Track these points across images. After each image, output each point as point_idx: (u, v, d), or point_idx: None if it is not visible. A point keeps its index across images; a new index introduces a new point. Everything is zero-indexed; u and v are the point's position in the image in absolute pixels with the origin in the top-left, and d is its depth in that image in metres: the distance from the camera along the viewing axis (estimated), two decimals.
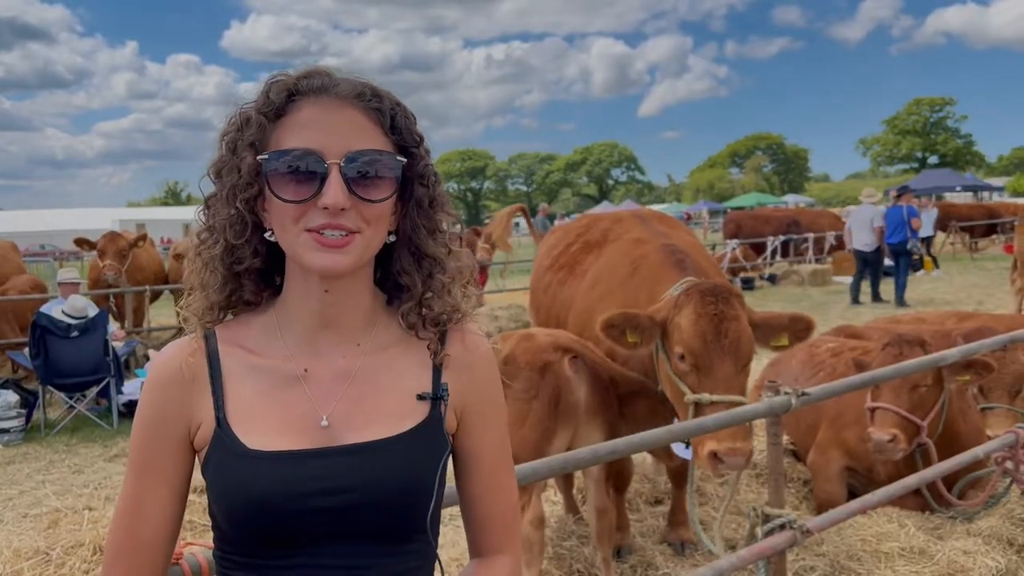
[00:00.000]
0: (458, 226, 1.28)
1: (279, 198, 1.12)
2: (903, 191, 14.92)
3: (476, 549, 1.32)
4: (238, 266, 1.19)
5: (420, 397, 1.21)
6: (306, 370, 1.19)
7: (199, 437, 1.18)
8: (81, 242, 10.78)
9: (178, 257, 11.25)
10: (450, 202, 1.26)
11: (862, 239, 14.09)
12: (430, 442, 1.20)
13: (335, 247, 1.10)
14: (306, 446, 1.15)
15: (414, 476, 1.17)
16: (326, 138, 1.11)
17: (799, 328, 3.41)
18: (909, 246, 13.99)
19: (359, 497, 1.13)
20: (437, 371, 1.24)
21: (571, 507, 4.64)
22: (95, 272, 10.87)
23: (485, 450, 1.29)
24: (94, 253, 10.85)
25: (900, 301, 13.58)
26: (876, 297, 14.28)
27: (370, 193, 1.12)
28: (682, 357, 3.29)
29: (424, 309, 1.23)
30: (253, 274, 1.21)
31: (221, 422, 1.16)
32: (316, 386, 1.19)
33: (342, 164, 1.10)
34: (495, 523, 1.30)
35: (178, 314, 1.26)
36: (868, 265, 14.25)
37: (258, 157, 1.13)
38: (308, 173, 1.10)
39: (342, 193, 1.09)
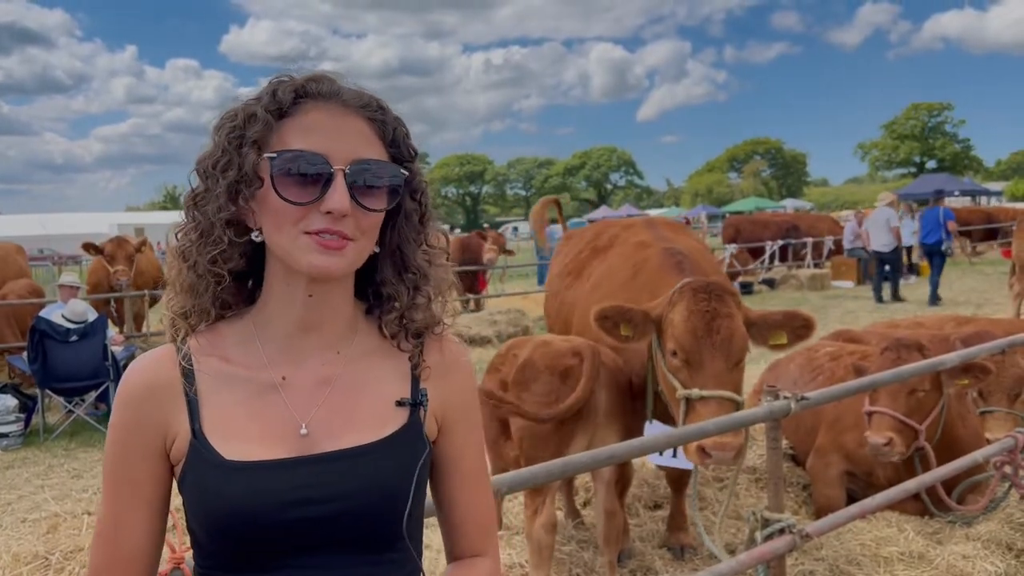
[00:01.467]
0: (443, 240, 1.28)
1: (283, 198, 1.10)
2: (940, 194, 15.50)
3: (455, 553, 1.31)
4: (225, 267, 1.16)
5: (399, 403, 1.21)
6: (284, 378, 1.18)
7: (175, 450, 1.16)
8: (88, 246, 10.79)
9: None
10: (436, 216, 1.27)
11: (880, 240, 14.53)
12: (409, 447, 1.19)
13: (333, 248, 1.10)
14: (285, 455, 1.13)
15: (394, 482, 1.16)
16: (332, 143, 1.11)
17: (797, 325, 3.40)
18: (944, 247, 14.52)
19: (340, 505, 1.12)
20: (416, 377, 1.24)
21: (572, 511, 4.64)
22: (95, 276, 10.90)
23: (465, 454, 1.29)
24: (94, 257, 10.91)
25: (933, 300, 14.08)
26: (879, 298, 14.60)
27: (370, 202, 1.13)
28: (674, 353, 3.32)
29: (406, 320, 1.24)
30: (234, 276, 1.19)
31: (197, 433, 1.14)
32: (294, 394, 1.18)
33: (347, 171, 1.10)
34: (475, 526, 1.30)
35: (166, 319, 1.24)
36: (885, 264, 14.71)
37: (265, 155, 1.11)
38: (314, 176, 1.09)
39: (346, 198, 1.09)
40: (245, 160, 1.11)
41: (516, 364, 3.59)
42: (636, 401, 3.82)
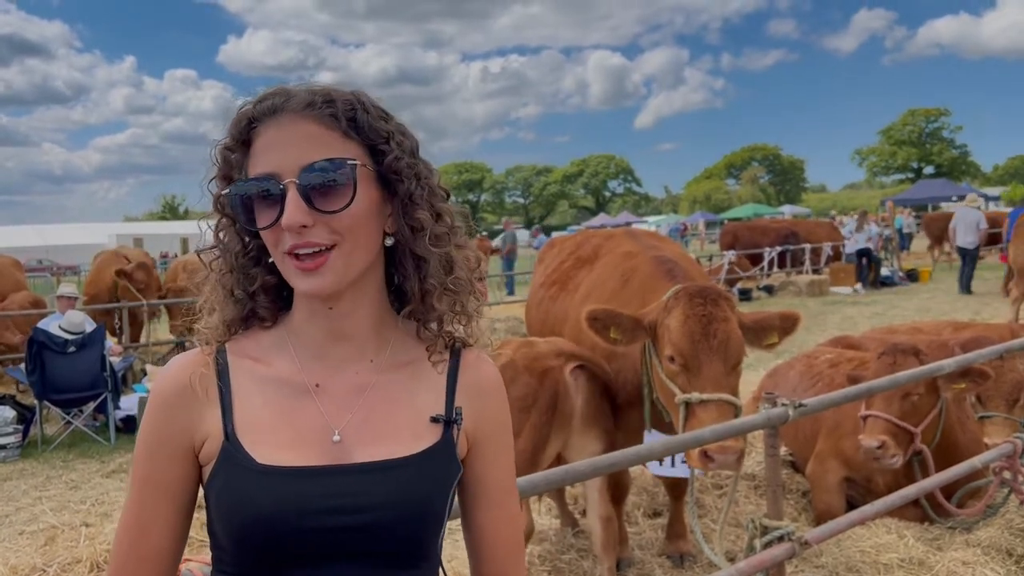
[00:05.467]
0: (450, 221, 1.21)
1: (247, 228, 1.13)
2: None
3: (480, 575, 1.30)
4: (251, 286, 1.19)
5: (434, 419, 1.19)
6: (317, 385, 1.18)
7: (205, 451, 1.15)
8: (120, 273, 10.74)
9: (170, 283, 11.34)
10: (440, 195, 1.20)
11: (966, 238, 16.19)
12: (442, 465, 1.18)
13: (310, 270, 1.09)
14: (317, 462, 1.13)
15: (426, 498, 1.15)
16: (282, 158, 1.09)
17: (788, 324, 3.50)
18: None
19: (369, 517, 1.11)
20: (451, 394, 1.23)
21: (568, 519, 4.63)
22: (93, 288, 10.94)
23: (494, 478, 1.27)
24: (97, 267, 11.03)
25: None
26: (967, 289, 15.87)
27: (331, 203, 1.09)
28: (672, 358, 3.34)
29: (424, 309, 1.21)
30: (270, 291, 1.20)
31: (230, 436, 1.13)
32: (328, 400, 1.17)
33: (297, 181, 1.08)
34: (500, 551, 1.28)
35: (181, 330, 1.26)
36: (969, 260, 16.26)
37: (222, 192, 1.15)
38: (269, 197, 1.09)
39: (298, 211, 1.07)
40: (218, 199, 1.17)
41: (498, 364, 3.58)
42: (631, 408, 3.82)
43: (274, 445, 1.13)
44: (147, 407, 1.20)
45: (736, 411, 3.26)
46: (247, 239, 1.18)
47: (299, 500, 1.09)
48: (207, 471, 1.16)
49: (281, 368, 1.18)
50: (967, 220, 16.33)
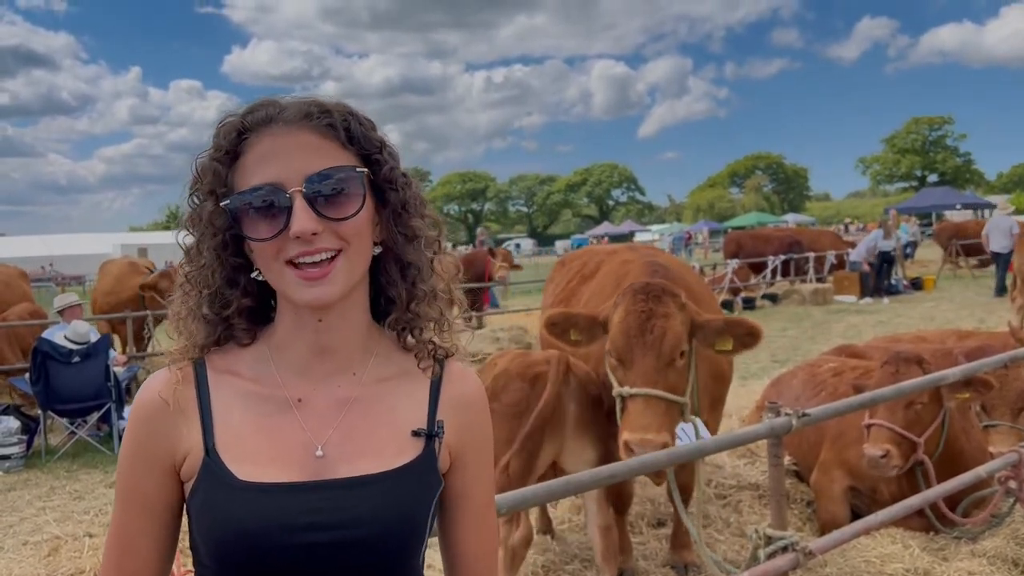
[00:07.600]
0: (437, 229, 1.24)
1: (251, 239, 1.12)
2: None
3: None
4: (226, 310, 1.17)
5: (415, 433, 1.19)
6: (300, 400, 1.17)
7: (186, 467, 1.14)
8: (146, 287, 10.71)
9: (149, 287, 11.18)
10: (427, 204, 1.22)
11: (1000, 242, 16.83)
12: (424, 479, 1.18)
13: (317, 279, 1.09)
14: (299, 478, 1.12)
15: (408, 513, 1.15)
16: (283, 168, 1.10)
17: (741, 333, 3.37)
18: None
19: (353, 532, 1.10)
20: (433, 407, 1.22)
21: (545, 524, 4.63)
22: (113, 298, 11.11)
23: (475, 491, 1.27)
24: (95, 276, 11.03)
25: None
26: (1002, 290, 16.36)
27: (339, 211, 1.10)
28: (610, 352, 3.38)
29: (410, 315, 1.22)
30: (244, 313, 1.19)
31: (210, 451, 1.12)
32: (310, 415, 1.16)
33: (304, 189, 1.09)
34: (478, 564, 1.28)
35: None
36: (1003, 264, 16.78)
37: (221, 204, 1.12)
38: (273, 207, 1.09)
39: (309, 219, 1.08)
40: (204, 212, 1.14)
41: (492, 374, 3.61)
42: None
43: (255, 461, 1.12)
44: (128, 422, 1.19)
45: (673, 406, 3.24)
46: (225, 257, 1.16)
47: (282, 516, 1.09)
48: (188, 487, 1.15)
49: (263, 383, 1.18)
50: (1001, 226, 17.00)
